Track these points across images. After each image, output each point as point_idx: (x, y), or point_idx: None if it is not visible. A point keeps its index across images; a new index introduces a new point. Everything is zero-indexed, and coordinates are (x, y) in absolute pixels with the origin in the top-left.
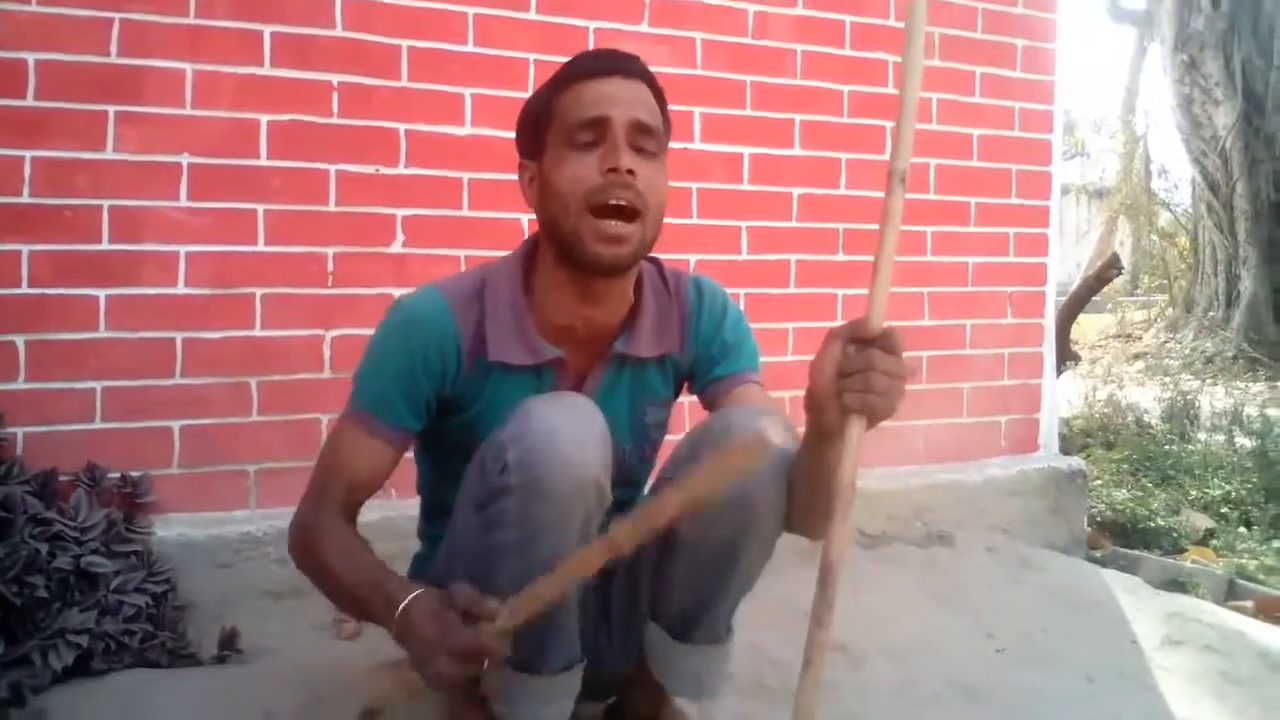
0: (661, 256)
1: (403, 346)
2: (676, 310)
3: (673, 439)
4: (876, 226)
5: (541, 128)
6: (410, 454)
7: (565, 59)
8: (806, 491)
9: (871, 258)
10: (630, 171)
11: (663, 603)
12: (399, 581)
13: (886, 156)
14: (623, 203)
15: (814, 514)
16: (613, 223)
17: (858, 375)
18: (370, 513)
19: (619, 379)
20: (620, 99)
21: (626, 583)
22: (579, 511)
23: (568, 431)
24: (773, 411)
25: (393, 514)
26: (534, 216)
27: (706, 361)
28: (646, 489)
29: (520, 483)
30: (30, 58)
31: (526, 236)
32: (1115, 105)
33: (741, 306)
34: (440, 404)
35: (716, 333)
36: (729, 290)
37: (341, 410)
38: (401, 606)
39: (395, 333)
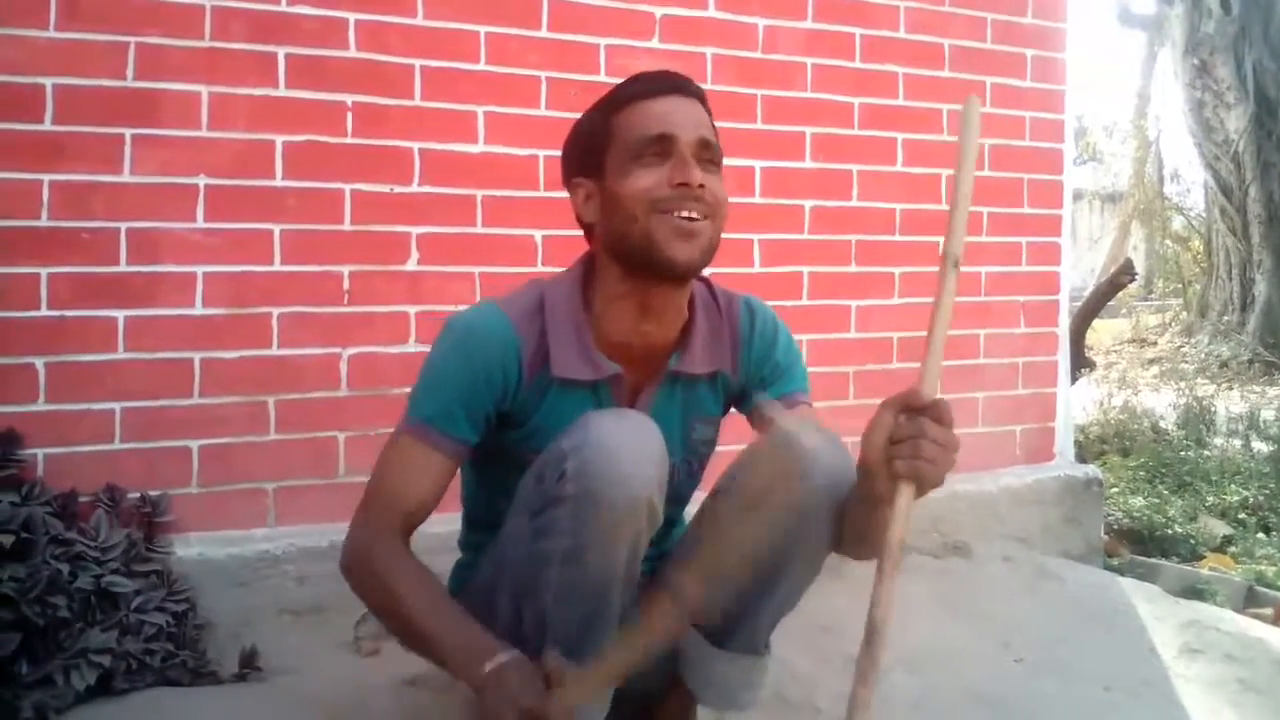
0: None
1: (465, 360)
2: (728, 330)
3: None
4: (888, 238)
5: (598, 147)
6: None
7: (577, 76)
8: (855, 544)
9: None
10: (701, 186)
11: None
12: (482, 634)
13: (898, 167)
14: (695, 215)
15: (860, 559)
16: (685, 215)
17: (908, 443)
18: None
19: (672, 396)
20: (683, 117)
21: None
22: (630, 527)
23: (628, 448)
24: (821, 427)
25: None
26: (560, 234)
27: (758, 383)
28: (690, 505)
29: (576, 492)
30: (48, 82)
31: (581, 254)
32: (1127, 110)
33: None
34: (500, 417)
35: (769, 355)
36: None
37: (395, 428)
38: (497, 663)
39: (458, 347)
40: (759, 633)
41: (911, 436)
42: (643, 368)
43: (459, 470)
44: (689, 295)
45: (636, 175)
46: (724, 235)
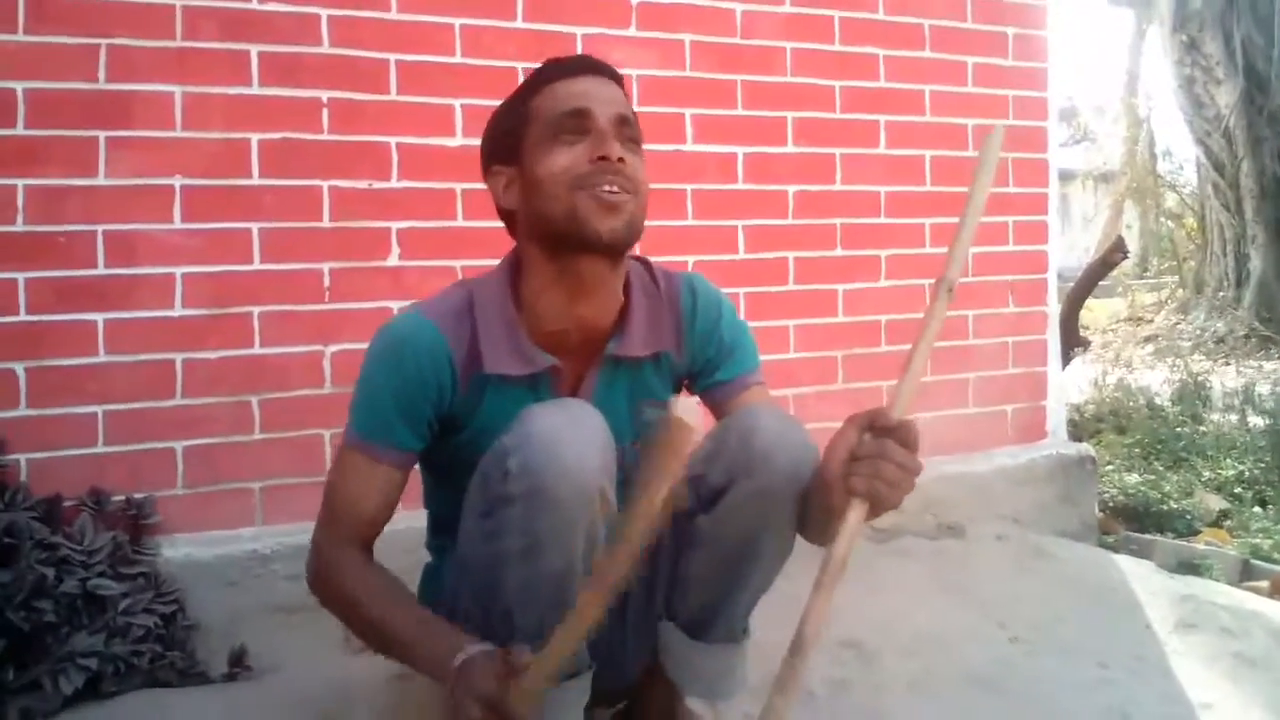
0: (660, 259)
1: (395, 370)
2: (669, 310)
3: None
4: (873, 221)
5: (517, 132)
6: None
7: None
8: (814, 535)
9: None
10: (620, 160)
11: (679, 600)
12: (449, 629)
13: (881, 149)
14: (614, 189)
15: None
16: (607, 188)
17: (868, 461)
18: None
19: (615, 380)
20: (599, 95)
21: (643, 581)
22: (583, 519)
23: (570, 438)
24: (779, 409)
25: (400, 526)
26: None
27: (705, 363)
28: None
29: (523, 491)
30: (19, 86)
31: (507, 252)
32: (1117, 89)
33: (741, 305)
34: (441, 422)
35: (713, 333)
36: (728, 290)
37: (341, 439)
38: (465, 656)
39: (386, 358)
40: (736, 620)
41: (873, 456)
42: (581, 356)
43: (420, 472)
44: (623, 276)
45: (556, 154)
46: (708, 222)
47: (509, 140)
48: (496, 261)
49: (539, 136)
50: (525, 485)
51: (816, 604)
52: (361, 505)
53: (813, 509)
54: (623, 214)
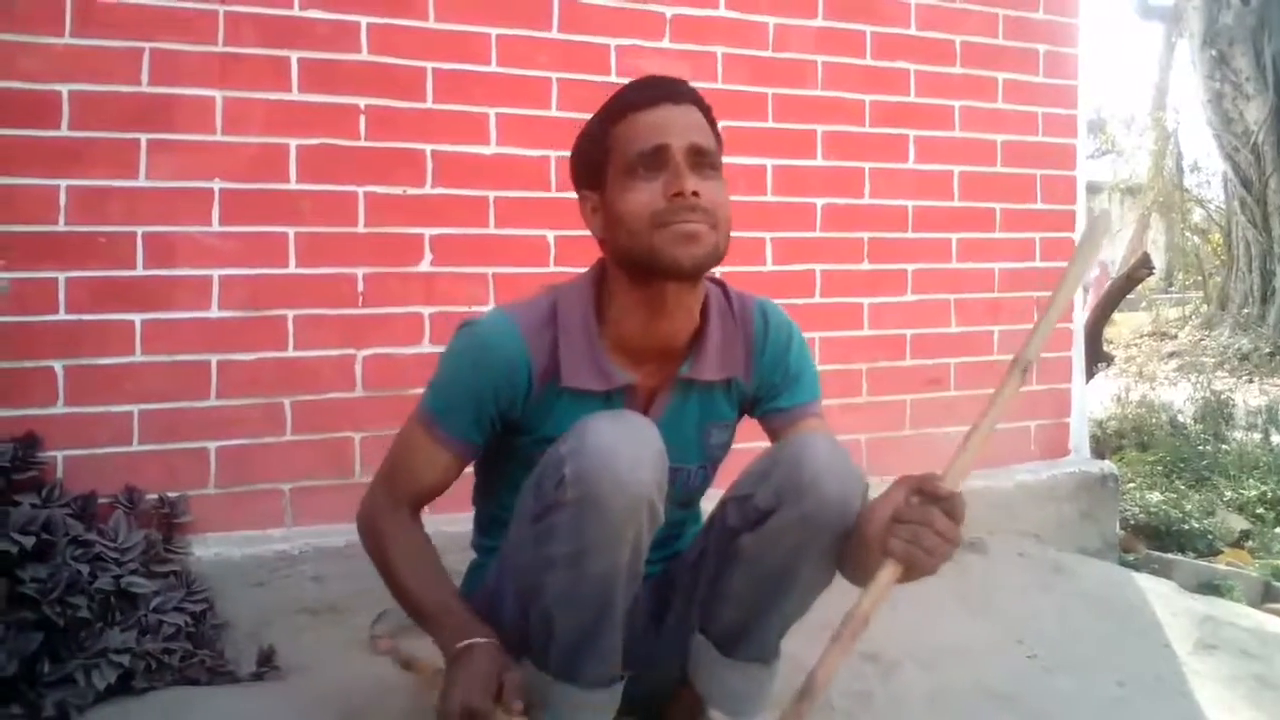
0: None
1: (474, 369)
2: (742, 335)
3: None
4: (900, 235)
5: (599, 160)
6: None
7: (588, 77)
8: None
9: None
10: (695, 193)
11: (714, 615)
12: (467, 612)
13: (910, 164)
14: (693, 222)
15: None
16: (686, 224)
17: (910, 526)
18: None
19: (686, 402)
20: (675, 126)
21: (684, 595)
22: (630, 529)
23: (625, 450)
24: (833, 439)
25: (430, 530)
26: (572, 234)
27: (769, 389)
28: (702, 505)
29: (575, 498)
30: (64, 89)
31: (594, 261)
32: (1145, 102)
33: None
34: (507, 424)
35: (781, 361)
36: None
37: (416, 405)
38: (466, 645)
39: (467, 354)
40: (768, 642)
41: (917, 521)
42: (656, 374)
43: (474, 471)
44: (701, 298)
45: (634, 190)
46: (736, 233)
47: (592, 167)
48: (528, 270)
49: (619, 169)
50: (578, 493)
51: (831, 656)
52: (417, 477)
53: (852, 549)
54: (703, 244)
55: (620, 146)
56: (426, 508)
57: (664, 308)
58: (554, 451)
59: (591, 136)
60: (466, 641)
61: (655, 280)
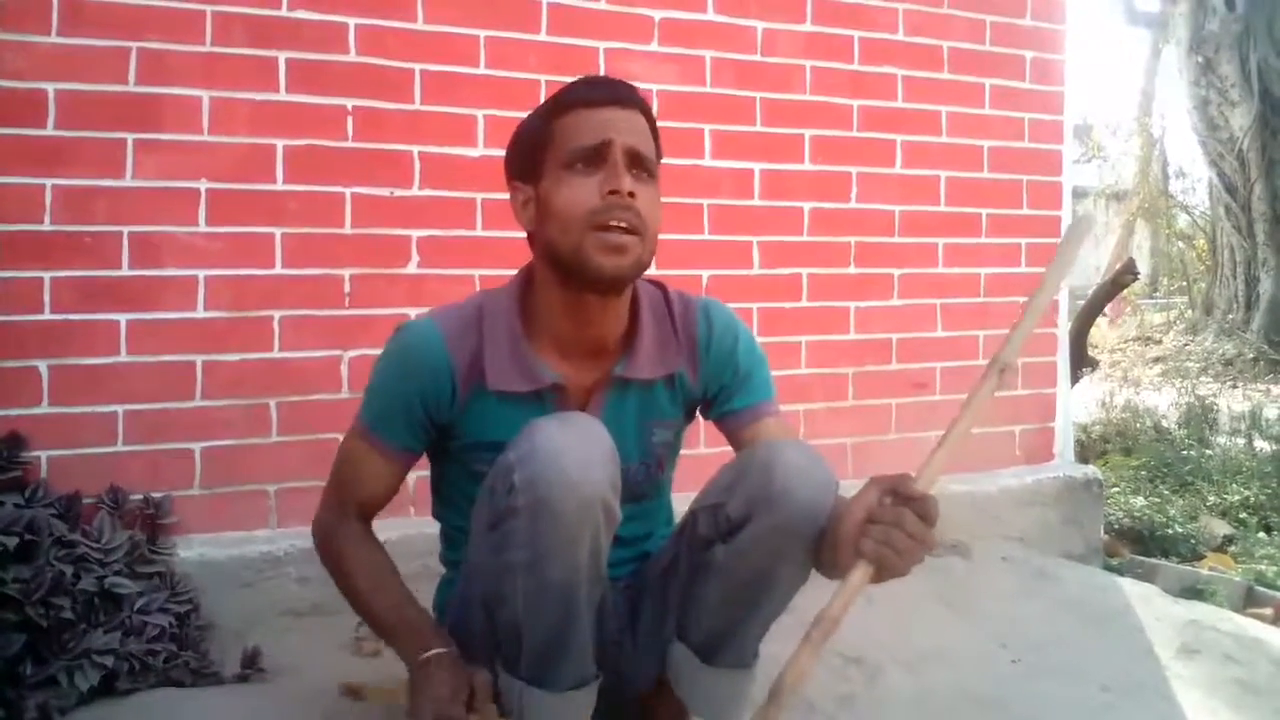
0: (674, 273)
1: (399, 376)
2: (684, 335)
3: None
4: (887, 240)
5: (538, 152)
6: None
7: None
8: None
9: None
10: (631, 194)
11: (692, 623)
12: (426, 622)
13: (897, 169)
14: (623, 224)
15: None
16: (614, 234)
17: (883, 527)
18: (388, 531)
19: (624, 401)
20: (618, 127)
21: (656, 600)
22: (586, 530)
23: (574, 452)
24: (801, 444)
25: (411, 532)
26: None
27: (720, 390)
28: (667, 510)
29: (527, 504)
30: (50, 88)
31: (523, 265)
32: (1131, 108)
33: (754, 321)
34: (441, 429)
35: (729, 360)
36: (742, 305)
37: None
38: (426, 657)
39: (393, 361)
40: (747, 647)
41: (889, 523)
42: (591, 371)
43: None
44: (629, 301)
45: (570, 185)
46: (723, 237)
47: (530, 158)
48: (515, 272)
49: (557, 163)
50: (529, 498)
51: (801, 657)
52: (361, 486)
53: (824, 548)
54: (628, 255)
55: (561, 140)
56: (411, 507)
57: (587, 312)
58: (504, 458)
59: (532, 128)
60: (426, 654)
61: (579, 286)
